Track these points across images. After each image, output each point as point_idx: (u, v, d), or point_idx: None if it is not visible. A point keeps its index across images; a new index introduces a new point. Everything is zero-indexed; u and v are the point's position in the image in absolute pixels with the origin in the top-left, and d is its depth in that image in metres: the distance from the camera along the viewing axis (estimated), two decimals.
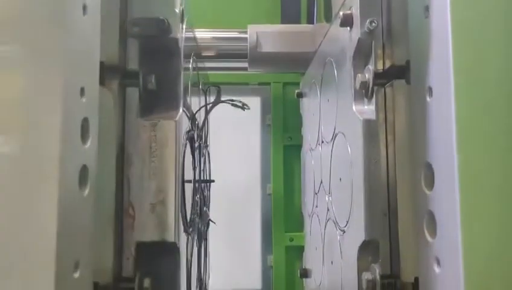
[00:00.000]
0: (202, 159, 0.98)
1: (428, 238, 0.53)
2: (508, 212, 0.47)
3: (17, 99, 0.44)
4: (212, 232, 1.19)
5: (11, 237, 0.42)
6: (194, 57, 0.88)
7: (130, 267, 0.61)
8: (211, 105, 0.94)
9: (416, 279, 0.57)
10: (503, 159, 0.48)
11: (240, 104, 0.95)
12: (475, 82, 0.49)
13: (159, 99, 0.66)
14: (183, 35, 0.68)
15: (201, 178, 0.97)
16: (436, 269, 0.51)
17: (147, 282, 0.60)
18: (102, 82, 0.55)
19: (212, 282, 1.16)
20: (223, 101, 0.93)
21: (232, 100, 0.94)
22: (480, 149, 0.48)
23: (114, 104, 0.60)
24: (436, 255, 0.52)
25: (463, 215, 0.47)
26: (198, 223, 0.89)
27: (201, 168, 0.97)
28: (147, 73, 0.64)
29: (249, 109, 0.96)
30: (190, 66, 0.82)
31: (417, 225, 0.57)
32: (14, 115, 0.43)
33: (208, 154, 1.11)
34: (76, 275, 0.46)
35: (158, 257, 0.64)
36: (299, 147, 1.33)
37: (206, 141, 1.08)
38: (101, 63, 0.55)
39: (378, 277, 0.63)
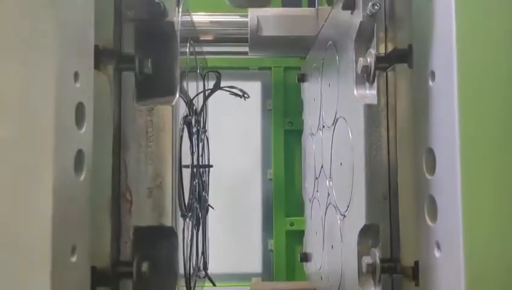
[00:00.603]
0: (200, 145, 0.98)
1: (429, 222, 0.53)
2: (509, 198, 0.47)
3: (10, 85, 0.43)
4: (214, 216, 1.19)
5: (7, 222, 0.42)
6: (192, 41, 0.87)
7: (128, 251, 0.62)
8: (209, 91, 0.93)
9: (416, 263, 0.57)
10: (505, 145, 0.47)
11: (240, 93, 0.93)
12: (478, 66, 0.48)
13: (156, 84, 0.65)
14: (180, 19, 0.67)
15: (200, 163, 0.96)
16: (437, 253, 0.51)
17: (144, 266, 0.61)
18: (97, 66, 0.55)
19: (213, 266, 1.16)
20: (221, 88, 0.92)
21: (232, 87, 0.92)
22: (482, 134, 0.47)
23: (110, 88, 0.60)
24: (436, 239, 0.52)
25: (464, 200, 0.47)
26: (196, 208, 0.89)
27: (200, 153, 0.97)
28: (143, 57, 0.63)
29: (248, 97, 0.95)
30: (187, 50, 0.81)
31: (418, 209, 0.56)
32: (6, 100, 0.43)
33: (207, 139, 1.11)
34: (73, 259, 0.47)
35: (156, 241, 0.64)
36: (300, 132, 1.33)
37: (204, 126, 1.07)
38: (96, 47, 0.54)
39: (378, 261, 0.63)
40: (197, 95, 0.89)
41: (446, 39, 0.49)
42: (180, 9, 0.67)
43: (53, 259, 0.42)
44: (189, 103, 0.81)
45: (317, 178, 1.04)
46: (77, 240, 0.48)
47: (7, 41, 0.43)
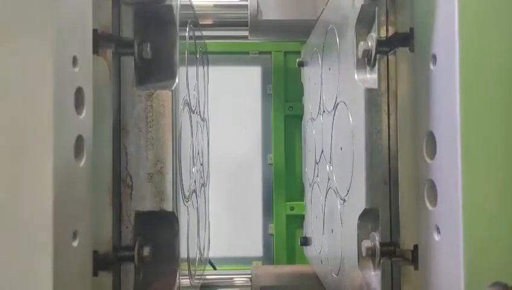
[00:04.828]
0: (200, 129, 0.97)
1: (429, 206, 0.53)
2: (509, 182, 0.47)
3: (8, 71, 0.43)
4: (215, 201, 1.20)
5: (9, 208, 0.42)
6: (191, 25, 0.86)
7: (129, 236, 0.62)
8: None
9: (416, 247, 0.57)
10: (506, 129, 0.47)
11: None
12: (480, 49, 0.47)
13: (155, 69, 0.65)
14: (179, 2, 0.66)
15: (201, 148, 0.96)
16: (436, 237, 0.52)
17: (146, 250, 0.61)
18: (96, 51, 0.54)
19: (214, 250, 1.17)
20: None
21: None
22: (483, 118, 0.47)
23: (109, 73, 0.59)
24: (436, 223, 0.52)
25: (464, 184, 0.47)
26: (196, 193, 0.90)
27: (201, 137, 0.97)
28: (142, 41, 0.63)
29: None
30: (187, 34, 0.80)
31: (418, 193, 0.56)
32: (5, 87, 0.42)
33: (207, 124, 1.10)
34: (75, 244, 0.47)
35: (157, 226, 0.64)
36: (300, 117, 1.33)
37: (205, 112, 1.07)
38: (94, 31, 0.53)
39: (377, 245, 0.64)
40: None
41: (448, 22, 0.49)
42: None
43: (55, 244, 0.42)
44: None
45: (317, 163, 1.04)
46: (78, 225, 0.48)
47: (5, 26, 0.43)
